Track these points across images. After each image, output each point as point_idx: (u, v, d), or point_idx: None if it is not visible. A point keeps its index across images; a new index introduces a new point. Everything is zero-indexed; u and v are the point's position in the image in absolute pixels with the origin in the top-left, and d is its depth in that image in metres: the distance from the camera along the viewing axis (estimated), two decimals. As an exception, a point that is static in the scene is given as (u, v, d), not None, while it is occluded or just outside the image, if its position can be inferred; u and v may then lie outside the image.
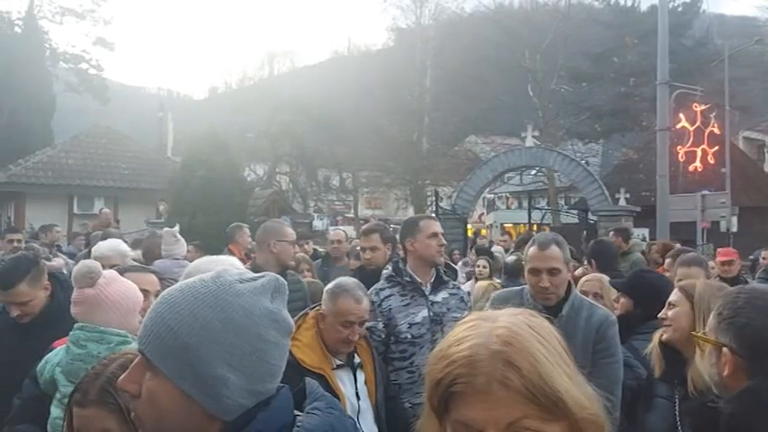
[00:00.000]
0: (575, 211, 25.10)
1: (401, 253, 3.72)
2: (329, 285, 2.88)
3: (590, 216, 17.19)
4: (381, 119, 27.77)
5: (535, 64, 26.85)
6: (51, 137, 25.53)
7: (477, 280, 6.78)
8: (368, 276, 4.11)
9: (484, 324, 0.93)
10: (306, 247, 7.15)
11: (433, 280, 3.43)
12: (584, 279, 3.88)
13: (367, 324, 3.30)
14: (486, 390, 0.87)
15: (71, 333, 2.35)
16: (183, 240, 5.44)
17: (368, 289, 3.57)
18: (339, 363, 2.77)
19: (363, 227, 4.85)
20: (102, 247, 4.18)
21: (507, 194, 40.22)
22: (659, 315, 2.46)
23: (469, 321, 0.96)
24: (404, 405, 3.12)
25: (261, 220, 10.42)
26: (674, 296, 2.44)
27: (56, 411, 2.29)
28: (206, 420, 1.02)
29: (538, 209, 28.83)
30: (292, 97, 31.49)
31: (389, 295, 3.34)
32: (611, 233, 7.61)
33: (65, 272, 4.40)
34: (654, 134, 15.34)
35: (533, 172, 27.37)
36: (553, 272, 2.78)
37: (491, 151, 26.11)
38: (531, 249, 2.86)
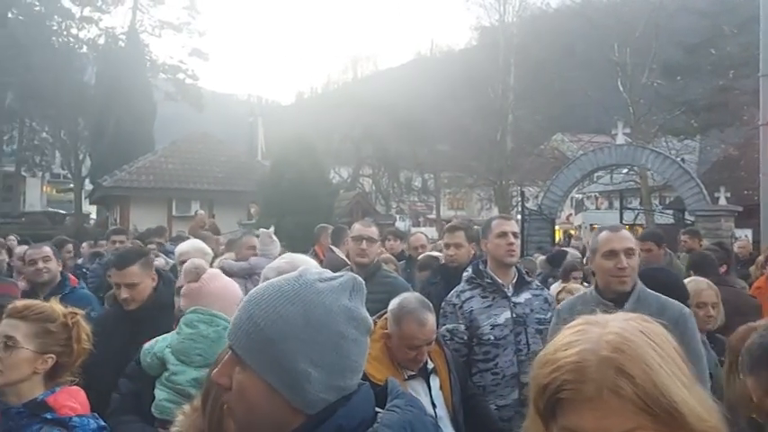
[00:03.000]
0: (670, 212, 23.90)
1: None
2: (393, 306, 2.75)
3: (687, 216, 16.32)
4: (464, 118, 27.50)
5: (625, 58, 25.73)
6: (152, 143, 27.12)
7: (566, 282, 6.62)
8: (450, 274, 4.11)
9: (593, 329, 0.90)
10: (393, 243, 7.11)
11: (515, 281, 3.39)
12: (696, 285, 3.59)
13: (449, 326, 3.32)
14: (596, 397, 0.84)
15: (184, 316, 2.55)
16: (277, 241, 5.79)
17: (450, 286, 3.59)
18: (411, 373, 2.71)
19: (449, 224, 4.82)
20: (184, 246, 4.69)
21: (596, 194, 38.82)
22: None
23: (577, 326, 0.93)
24: (486, 402, 3.11)
25: (345, 222, 10.68)
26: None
27: (161, 393, 2.49)
28: (290, 413, 1.07)
29: (630, 209, 27.63)
30: (375, 100, 31.88)
31: (471, 297, 3.32)
32: (686, 236, 7.29)
33: (167, 269, 4.76)
34: (756, 129, 14.38)
35: (624, 171, 26.23)
36: (629, 252, 2.71)
37: (579, 149, 25.28)
38: (603, 234, 2.81)
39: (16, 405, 1.95)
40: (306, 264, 2.66)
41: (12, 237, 9.34)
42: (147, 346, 2.59)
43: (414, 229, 19.23)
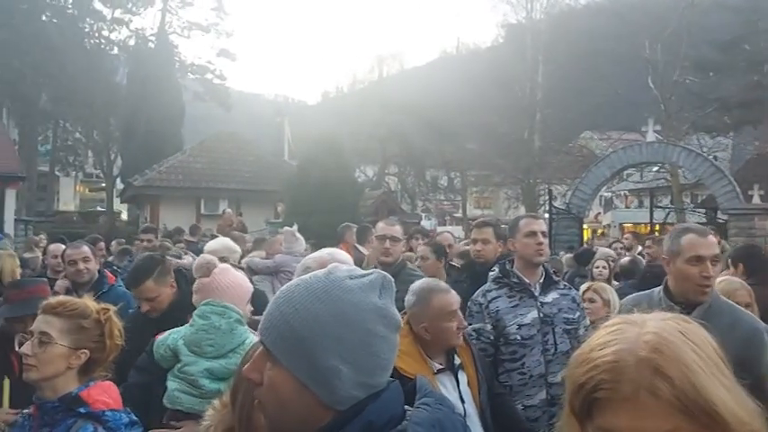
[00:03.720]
0: (702, 210, 23.49)
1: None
2: (411, 296, 2.76)
3: (719, 215, 16.00)
4: (491, 117, 27.36)
5: (656, 54, 25.30)
6: (181, 143, 27.50)
7: (594, 281, 6.57)
8: (477, 273, 4.06)
9: (630, 329, 0.89)
10: (419, 243, 7.12)
11: (542, 280, 3.35)
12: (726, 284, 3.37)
13: (475, 326, 3.30)
14: (633, 398, 0.83)
15: (198, 308, 2.60)
16: (301, 238, 5.86)
17: (477, 285, 3.55)
18: (439, 367, 2.71)
19: (477, 220, 4.82)
20: (212, 243, 4.84)
21: (626, 192, 38.26)
22: None
23: (614, 325, 0.92)
24: (513, 402, 3.09)
25: (370, 220, 10.71)
26: None
27: (173, 384, 2.52)
28: (320, 409, 1.07)
29: (661, 207, 27.22)
30: (401, 99, 31.85)
31: (497, 297, 3.29)
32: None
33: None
34: (793, 126, 14.01)
35: (655, 168, 25.85)
36: (715, 260, 2.54)
37: (608, 147, 24.93)
38: (688, 237, 2.59)
39: (51, 399, 2.00)
40: (346, 259, 2.70)
41: (41, 235, 9.58)
42: (160, 338, 2.63)
43: (440, 228, 19.17)
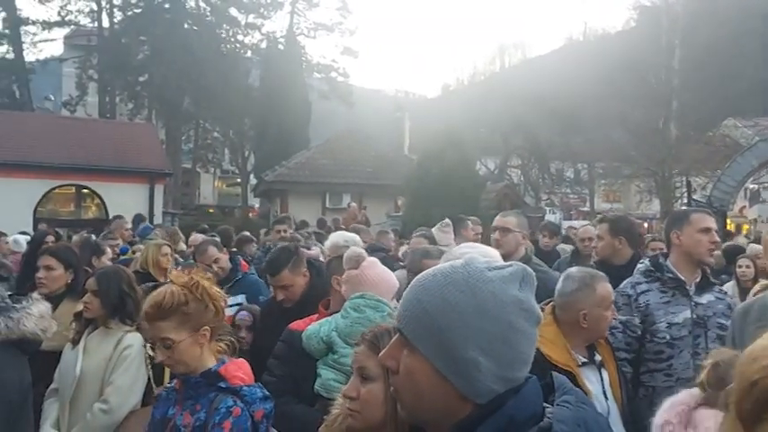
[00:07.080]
0: None
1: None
2: (570, 283, 2.71)
3: None
4: (622, 105, 25.85)
5: (814, 31, 22.70)
6: (308, 141, 28.68)
7: (738, 281, 6.04)
8: (611, 270, 3.89)
9: None
10: (548, 241, 7.01)
11: (698, 280, 3.12)
12: None
13: (621, 318, 3.13)
14: None
15: (350, 300, 2.69)
16: (451, 231, 5.84)
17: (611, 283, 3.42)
18: (583, 360, 2.64)
19: (599, 215, 4.70)
20: (333, 237, 5.09)
21: (776, 185, 34.73)
22: None
23: None
24: (649, 413, 2.92)
25: (493, 214, 10.53)
26: None
27: (327, 373, 2.62)
28: (459, 401, 1.05)
29: (817, 201, 24.45)
30: (524, 89, 31.03)
31: (647, 290, 3.11)
32: None
33: (321, 260, 5.00)
34: None
35: (812, 158, 23.25)
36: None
37: (755, 135, 22.78)
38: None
39: (194, 375, 2.16)
40: (493, 255, 2.70)
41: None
42: (311, 329, 2.71)
43: (566, 223, 18.48)
